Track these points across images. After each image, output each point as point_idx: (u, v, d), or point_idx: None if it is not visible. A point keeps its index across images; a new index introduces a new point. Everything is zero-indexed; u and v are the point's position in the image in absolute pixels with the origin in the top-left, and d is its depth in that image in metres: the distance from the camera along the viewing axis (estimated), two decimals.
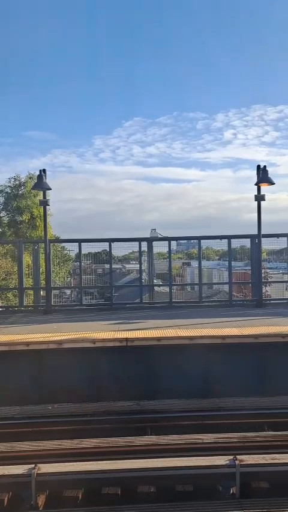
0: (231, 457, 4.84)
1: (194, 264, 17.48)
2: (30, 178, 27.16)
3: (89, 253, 14.00)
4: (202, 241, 12.42)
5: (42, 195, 11.57)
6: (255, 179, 11.28)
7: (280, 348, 7.91)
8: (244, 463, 4.79)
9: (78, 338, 7.91)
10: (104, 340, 7.84)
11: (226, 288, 13.09)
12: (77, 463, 4.95)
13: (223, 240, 12.26)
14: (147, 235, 12.45)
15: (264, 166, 11.10)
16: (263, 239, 11.68)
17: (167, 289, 12.65)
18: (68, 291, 19.81)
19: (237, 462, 4.75)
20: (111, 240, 11.95)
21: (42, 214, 14.07)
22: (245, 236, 12.28)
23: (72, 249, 15.21)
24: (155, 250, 12.63)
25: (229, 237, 11.99)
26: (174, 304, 12.01)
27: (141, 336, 7.96)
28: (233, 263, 12.62)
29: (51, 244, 12.54)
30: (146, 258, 12.50)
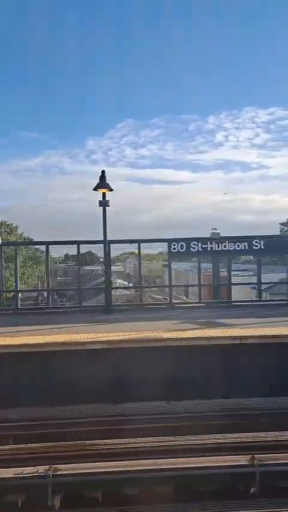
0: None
1: (174, 266, 17.46)
2: None
3: (71, 255, 13.85)
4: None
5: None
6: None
7: None
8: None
9: None
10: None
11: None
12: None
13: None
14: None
15: (103, 171, 10.90)
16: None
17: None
18: (45, 294, 19.58)
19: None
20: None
21: None
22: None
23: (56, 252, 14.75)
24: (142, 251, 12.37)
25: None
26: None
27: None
28: (206, 265, 12.61)
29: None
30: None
